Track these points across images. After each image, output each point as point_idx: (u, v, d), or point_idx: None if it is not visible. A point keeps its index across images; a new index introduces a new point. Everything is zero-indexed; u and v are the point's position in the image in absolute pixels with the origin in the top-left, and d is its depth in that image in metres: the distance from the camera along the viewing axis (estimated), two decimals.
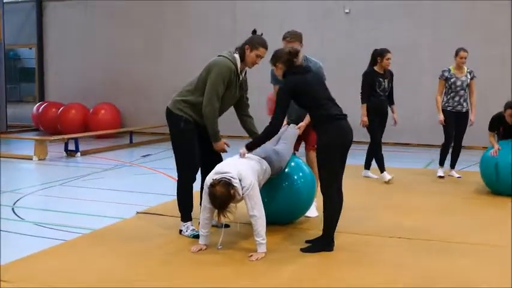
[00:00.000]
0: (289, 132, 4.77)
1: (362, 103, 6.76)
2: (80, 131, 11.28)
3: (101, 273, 3.66)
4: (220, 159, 4.45)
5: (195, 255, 4.00)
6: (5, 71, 13.17)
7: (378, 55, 6.70)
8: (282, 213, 4.59)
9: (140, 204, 5.55)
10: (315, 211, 4.95)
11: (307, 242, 4.20)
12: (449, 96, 6.89)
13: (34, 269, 3.73)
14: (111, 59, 13.17)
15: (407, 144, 10.61)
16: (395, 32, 10.53)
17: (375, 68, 6.73)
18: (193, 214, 4.52)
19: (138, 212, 5.24)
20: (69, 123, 11.80)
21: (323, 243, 4.09)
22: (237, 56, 4.34)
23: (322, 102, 4.02)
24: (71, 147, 9.47)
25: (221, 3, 12.05)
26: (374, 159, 6.97)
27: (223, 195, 3.82)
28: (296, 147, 5.02)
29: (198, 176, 4.50)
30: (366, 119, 6.73)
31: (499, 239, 4.45)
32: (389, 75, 6.84)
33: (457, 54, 6.83)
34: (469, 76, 6.88)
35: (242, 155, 4.14)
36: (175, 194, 4.54)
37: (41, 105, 12.94)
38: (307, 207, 4.79)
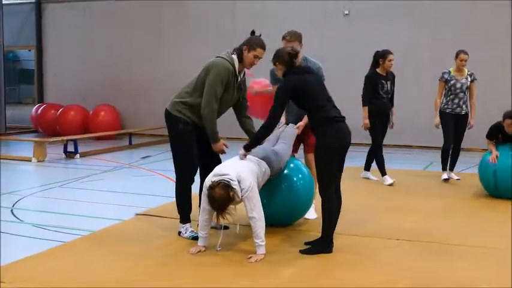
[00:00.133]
0: (288, 132, 4.77)
1: (363, 106, 6.71)
2: (79, 132, 11.25)
3: (100, 274, 3.65)
4: (219, 161, 4.45)
5: (194, 256, 4.00)
6: (4, 73, 13.15)
7: (380, 57, 6.65)
8: (281, 215, 4.59)
9: (139, 206, 5.54)
10: (313, 213, 4.95)
11: (306, 243, 4.20)
12: (448, 99, 6.85)
13: (33, 270, 3.73)
14: (110, 61, 13.17)
15: (407, 146, 10.61)
16: (395, 33, 10.53)
17: (377, 70, 6.69)
18: (192, 216, 4.52)
19: (137, 214, 5.23)
20: (68, 125, 11.78)
21: (322, 245, 4.09)
22: (235, 56, 4.34)
23: (321, 104, 4.02)
24: (70, 148, 9.46)
25: (221, 4, 12.05)
26: (375, 162, 6.93)
27: (222, 197, 3.82)
28: (295, 149, 5.02)
29: (197, 177, 4.50)
30: (367, 121, 6.69)
31: (498, 241, 4.45)
32: (391, 77, 6.80)
33: (457, 56, 6.77)
34: (469, 78, 6.83)
35: (242, 157, 4.14)
36: (174, 196, 4.54)
37: (39, 106, 12.93)
38: (306, 209, 4.79)
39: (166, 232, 4.60)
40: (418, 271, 3.74)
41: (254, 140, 4.22)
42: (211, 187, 3.85)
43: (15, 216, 5.38)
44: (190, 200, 4.50)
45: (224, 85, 4.29)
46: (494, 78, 9.83)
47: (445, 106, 6.89)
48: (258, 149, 4.29)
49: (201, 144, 4.45)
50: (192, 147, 4.40)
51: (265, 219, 3.95)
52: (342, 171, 4.15)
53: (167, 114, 4.47)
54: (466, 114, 6.92)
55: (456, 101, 6.82)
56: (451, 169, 7.08)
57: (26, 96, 20.89)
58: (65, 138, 9.76)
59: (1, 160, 8.72)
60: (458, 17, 10.37)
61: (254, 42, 4.31)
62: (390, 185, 6.68)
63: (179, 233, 4.49)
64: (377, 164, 6.86)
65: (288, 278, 3.64)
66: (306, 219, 4.91)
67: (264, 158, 4.24)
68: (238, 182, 3.86)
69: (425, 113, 10.10)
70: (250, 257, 3.89)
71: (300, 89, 4.02)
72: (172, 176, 4.56)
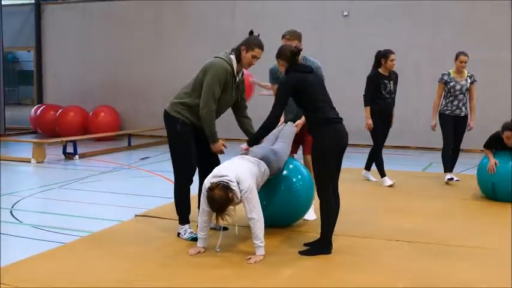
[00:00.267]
0: (287, 130, 4.75)
1: (365, 106, 6.66)
2: (78, 133, 11.26)
3: (100, 275, 3.65)
4: (218, 162, 4.44)
5: (194, 258, 3.99)
6: (3, 74, 13.15)
7: (382, 56, 6.59)
8: (280, 216, 4.58)
9: (138, 207, 5.54)
10: (313, 214, 4.95)
11: (305, 244, 4.20)
12: (448, 100, 6.81)
13: (32, 271, 3.72)
14: (110, 62, 13.18)
15: (406, 147, 10.61)
16: (395, 33, 10.54)
17: (379, 70, 6.63)
18: (191, 217, 4.51)
19: (136, 215, 5.23)
20: (67, 126, 11.79)
21: (321, 246, 4.08)
22: (233, 57, 4.34)
23: (320, 105, 4.02)
24: (69, 149, 9.46)
25: (221, 5, 12.05)
26: (374, 163, 6.90)
27: (222, 199, 3.82)
28: (294, 150, 5.01)
29: (196, 178, 4.49)
30: (370, 121, 6.62)
31: (498, 242, 4.45)
32: (394, 76, 6.73)
33: (457, 58, 6.72)
34: (469, 80, 6.77)
35: (245, 150, 4.15)
36: (173, 197, 4.54)
37: (39, 107, 12.93)
38: (305, 210, 4.78)
39: (165, 233, 4.59)
40: (418, 272, 3.74)
41: (254, 140, 4.24)
42: (211, 188, 3.85)
43: (14, 217, 5.37)
44: (189, 201, 4.50)
45: (222, 85, 4.29)
46: (494, 79, 9.83)
47: (445, 108, 6.85)
48: (257, 149, 4.29)
49: (200, 145, 4.45)
50: (190, 148, 4.40)
51: (265, 220, 3.94)
52: (339, 172, 4.15)
53: (166, 115, 4.47)
54: (466, 116, 6.88)
55: (456, 102, 6.78)
56: (450, 170, 7.06)
57: (25, 97, 20.89)
58: (64, 139, 9.77)
59: (0, 161, 8.72)
60: (458, 17, 10.37)
61: (252, 43, 4.31)
62: (390, 186, 6.67)
63: (178, 234, 4.49)
64: (376, 165, 6.84)
65: (287, 279, 3.63)
66: (305, 220, 4.90)
67: (263, 158, 4.24)
68: (238, 183, 3.86)
69: (425, 114, 10.09)
70: (250, 258, 3.89)
71: (300, 87, 4.01)
72: (172, 177, 4.56)
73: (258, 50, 4.31)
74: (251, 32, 4.43)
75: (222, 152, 4.46)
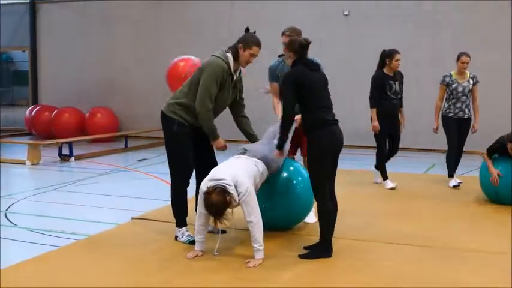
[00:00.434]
0: None
1: (371, 107, 6.51)
2: (74, 135, 11.17)
3: (96, 279, 3.61)
4: (215, 163, 4.40)
5: (192, 261, 3.95)
6: None
7: (387, 56, 6.45)
8: (280, 219, 4.54)
9: (135, 210, 5.49)
10: (313, 217, 4.90)
11: (305, 248, 4.16)
12: (450, 103, 6.70)
13: (27, 275, 3.68)
14: (106, 62, 13.10)
15: (408, 148, 10.55)
16: (395, 34, 10.48)
17: (384, 70, 6.49)
18: (188, 219, 4.46)
19: (133, 218, 5.18)
20: (62, 127, 11.70)
21: (321, 249, 4.05)
22: (229, 55, 4.29)
23: (319, 106, 3.98)
24: (65, 151, 9.38)
25: (219, 4, 12.00)
26: (377, 165, 6.78)
27: (219, 203, 3.77)
28: (293, 152, 4.97)
29: (193, 180, 4.44)
30: (376, 123, 6.46)
31: (499, 245, 4.42)
32: (399, 76, 6.60)
33: (458, 58, 6.61)
34: (471, 81, 6.67)
35: (279, 156, 4.10)
36: (170, 199, 4.48)
37: (33, 108, 12.83)
38: (306, 213, 4.74)
39: (162, 236, 4.55)
40: (419, 276, 3.71)
41: (281, 141, 4.05)
42: (208, 193, 3.80)
43: (9, 220, 5.31)
44: (186, 203, 4.45)
45: (219, 84, 4.24)
46: (495, 81, 9.80)
47: (447, 111, 6.74)
48: (256, 149, 4.25)
49: (197, 146, 4.40)
50: (187, 149, 4.35)
51: (265, 224, 3.91)
52: (335, 174, 4.12)
53: (162, 115, 4.43)
54: (469, 118, 6.77)
55: (458, 105, 6.67)
56: (454, 174, 6.93)
57: (19, 98, 20.79)
58: (60, 140, 9.68)
59: None
60: (459, 18, 10.35)
61: (250, 40, 4.27)
62: (392, 189, 6.61)
63: (176, 237, 4.44)
64: (378, 167, 6.76)
65: (286, 282, 3.60)
66: (305, 223, 4.86)
67: (262, 158, 4.19)
68: (235, 186, 3.82)
69: (426, 115, 10.03)
70: (249, 262, 3.85)
71: (301, 82, 3.93)
72: (169, 179, 4.51)
73: (255, 48, 4.26)
74: (247, 29, 4.39)
75: (224, 147, 4.38)
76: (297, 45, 4.02)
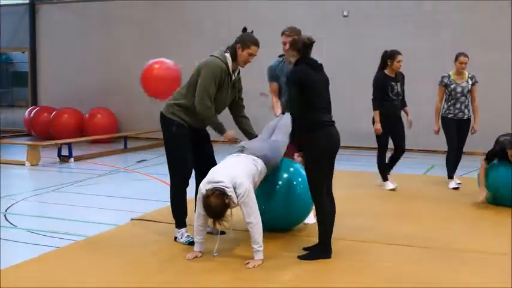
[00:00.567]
0: (284, 121, 4.63)
1: (374, 109, 6.45)
2: (73, 136, 11.17)
3: (95, 279, 3.60)
4: (214, 163, 4.39)
5: (191, 262, 3.94)
6: None
7: (388, 57, 6.40)
8: (281, 220, 4.54)
9: (135, 211, 5.48)
10: (313, 218, 4.88)
11: (304, 249, 4.15)
12: (450, 103, 6.67)
13: (27, 276, 3.67)
14: (105, 63, 13.09)
15: (407, 149, 10.53)
16: (395, 34, 10.47)
17: (385, 71, 6.45)
18: (188, 220, 4.46)
19: (132, 219, 5.17)
20: (62, 128, 11.69)
21: (320, 250, 4.04)
22: (228, 55, 4.28)
23: (319, 107, 3.97)
24: (64, 152, 9.37)
25: (217, 4, 11.99)
26: (377, 166, 6.74)
27: (218, 206, 3.77)
28: (292, 153, 4.95)
29: (193, 181, 4.44)
30: (379, 126, 6.40)
31: (499, 246, 4.42)
32: (401, 77, 6.55)
33: (456, 59, 6.59)
34: (470, 82, 6.65)
35: (299, 159, 4.09)
36: (169, 200, 4.48)
37: (32, 109, 12.82)
38: (306, 213, 4.73)
39: (162, 237, 4.54)
40: (418, 276, 3.71)
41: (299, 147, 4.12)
42: (206, 196, 3.79)
43: (8, 221, 5.30)
44: (185, 204, 4.44)
45: (217, 84, 4.23)
46: (495, 82, 9.79)
47: (447, 112, 6.71)
48: (255, 146, 4.24)
49: (196, 147, 4.39)
50: (186, 150, 4.34)
51: (265, 225, 3.90)
52: (332, 175, 4.11)
53: (161, 116, 4.43)
54: (469, 119, 6.75)
55: (458, 105, 6.65)
56: (453, 176, 6.91)
57: (19, 99, 20.75)
58: (59, 141, 9.68)
59: None
60: (459, 18, 10.34)
61: (248, 40, 4.26)
62: (392, 190, 6.60)
63: (175, 238, 4.43)
64: (378, 168, 6.71)
65: (286, 283, 3.59)
66: (305, 224, 4.85)
67: (260, 157, 4.18)
68: (234, 188, 3.81)
69: (426, 116, 10.02)
70: (248, 263, 3.84)
71: (303, 81, 3.92)
72: (168, 180, 4.50)
73: (254, 48, 4.26)
74: (244, 29, 4.38)
75: (234, 139, 4.38)
76: (300, 44, 4.02)
